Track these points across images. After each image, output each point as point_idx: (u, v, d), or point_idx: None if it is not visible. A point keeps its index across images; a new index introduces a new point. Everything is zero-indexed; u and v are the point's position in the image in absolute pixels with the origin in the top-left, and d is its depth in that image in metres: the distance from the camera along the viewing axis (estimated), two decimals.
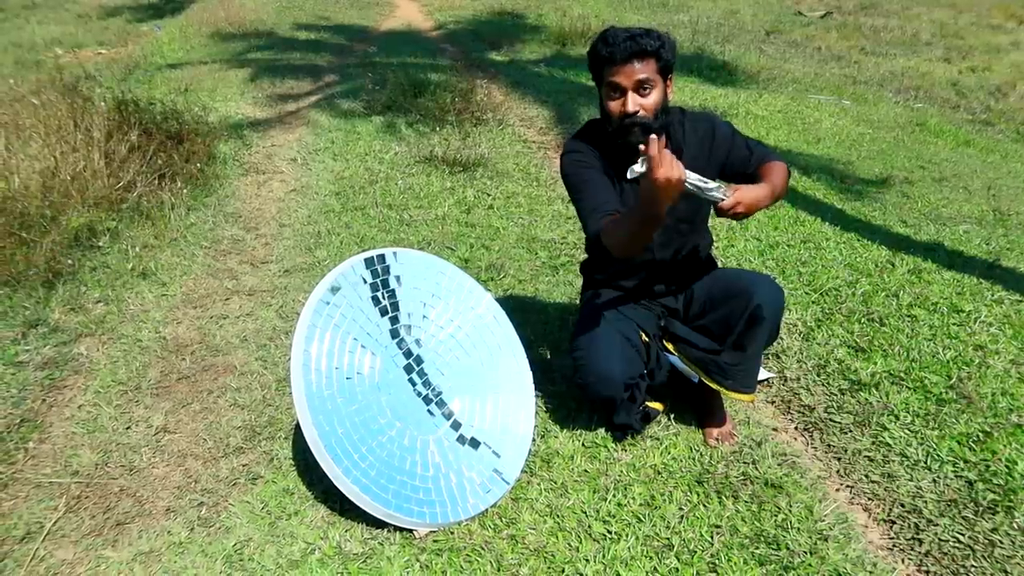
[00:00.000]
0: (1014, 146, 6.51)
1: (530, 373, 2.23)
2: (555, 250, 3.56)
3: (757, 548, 1.88)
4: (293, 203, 3.97)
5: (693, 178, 1.74)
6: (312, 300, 1.87)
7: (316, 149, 4.80)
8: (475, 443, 2.04)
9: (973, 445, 2.24)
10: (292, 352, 1.80)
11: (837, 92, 7.75)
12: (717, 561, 1.83)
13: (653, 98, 1.93)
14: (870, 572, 1.84)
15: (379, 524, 1.87)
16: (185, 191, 3.74)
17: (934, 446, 2.24)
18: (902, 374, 2.58)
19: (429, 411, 2.02)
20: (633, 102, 1.91)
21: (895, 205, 4.44)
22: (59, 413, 2.28)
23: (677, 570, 1.80)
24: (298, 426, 2.22)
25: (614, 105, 1.95)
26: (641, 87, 1.91)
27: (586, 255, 2.42)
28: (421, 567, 1.78)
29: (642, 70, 1.89)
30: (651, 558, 1.84)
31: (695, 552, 1.86)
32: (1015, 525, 1.95)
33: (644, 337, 2.19)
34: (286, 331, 2.74)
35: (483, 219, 3.87)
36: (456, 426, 2.04)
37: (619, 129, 1.96)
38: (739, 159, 2.08)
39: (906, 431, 2.32)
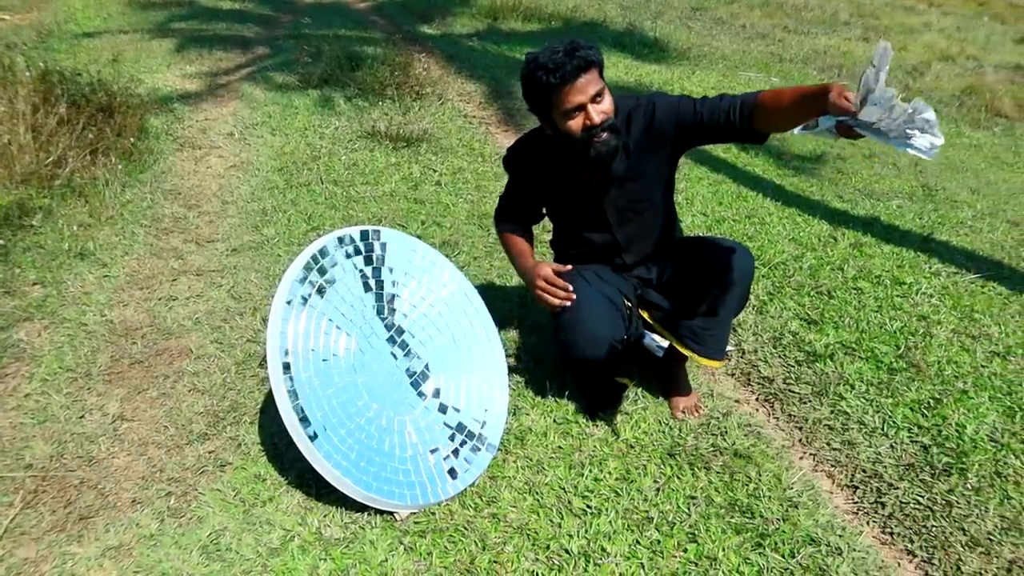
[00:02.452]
0: None
1: (503, 351, 2.21)
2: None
3: (732, 517, 1.92)
4: (234, 179, 3.82)
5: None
6: (287, 280, 1.80)
7: (253, 123, 4.63)
8: (450, 422, 2.01)
9: (925, 411, 2.34)
10: (268, 335, 1.73)
11: (765, 69, 7.92)
12: (696, 531, 1.87)
13: (607, 102, 1.93)
14: (840, 536, 1.90)
15: (358, 508, 1.83)
16: (119, 167, 3.54)
17: (889, 413, 2.34)
18: (853, 345, 2.68)
19: (404, 391, 1.98)
20: (597, 114, 1.91)
21: (831, 181, 4.58)
22: (3, 403, 2.14)
23: (659, 542, 1.83)
24: (264, 410, 2.15)
25: (576, 124, 1.93)
26: (596, 97, 1.90)
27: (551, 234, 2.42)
28: (406, 549, 1.75)
29: (591, 81, 1.88)
30: (632, 531, 1.86)
31: (674, 524, 1.89)
32: (969, 486, 2.05)
33: (626, 301, 2.21)
34: (240, 312, 2.64)
35: (432, 195, 3.81)
36: (432, 406, 2.01)
37: (586, 143, 1.94)
38: (690, 124, 1.97)
39: (862, 400, 2.41)
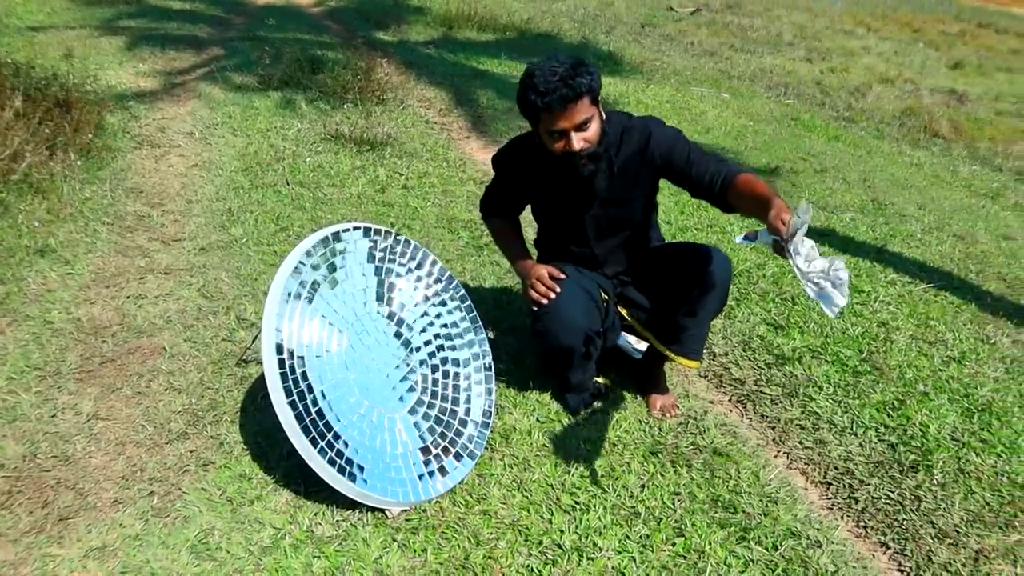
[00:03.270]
0: (876, 142, 7.07)
1: (488, 349, 2.22)
2: (476, 231, 3.55)
3: (716, 512, 1.97)
4: (198, 179, 3.74)
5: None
6: (280, 279, 1.78)
7: (213, 123, 4.54)
8: (439, 420, 2.01)
9: (890, 412, 2.44)
10: (264, 330, 1.71)
11: (715, 85, 8.14)
12: (683, 526, 1.91)
13: (593, 129, 1.96)
14: (818, 530, 1.97)
15: (349, 505, 1.81)
16: (78, 163, 3.43)
17: (857, 414, 2.43)
18: (819, 349, 2.77)
19: (395, 389, 1.97)
20: (577, 142, 1.93)
21: (786, 194, 4.72)
22: None
23: (648, 536, 1.86)
24: (244, 409, 2.12)
25: (557, 145, 1.96)
26: (582, 125, 1.93)
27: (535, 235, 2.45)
28: (399, 547, 1.74)
29: (580, 111, 1.90)
30: (621, 526, 1.88)
31: (660, 519, 1.92)
32: (935, 481, 2.14)
33: (604, 295, 2.24)
34: (213, 311, 2.59)
35: (399, 199, 3.80)
36: (420, 403, 2.00)
37: (565, 162, 1.98)
38: (677, 169, 2.05)
39: (831, 401, 2.49)
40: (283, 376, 1.68)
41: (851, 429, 2.36)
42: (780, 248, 1.71)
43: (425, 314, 2.11)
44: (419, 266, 2.13)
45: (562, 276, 2.15)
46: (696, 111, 6.78)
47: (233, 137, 4.36)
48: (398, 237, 2.10)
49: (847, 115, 8.01)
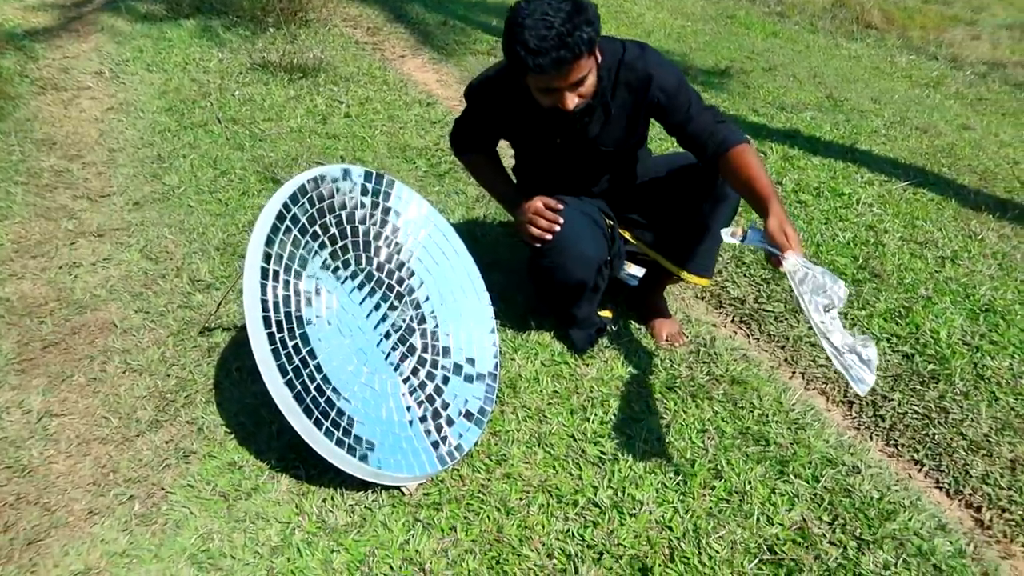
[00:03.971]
0: (811, 36, 6.93)
1: (487, 294, 2.01)
2: (432, 158, 3.28)
3: (748, 446, 1.85)
4: (117, 124, 3.33)
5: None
6: (258, 239, 1.51)
7: (123, 60, 4.05)
8: (445, 380, 1.81)
9: (898, 320, 2.35)
10: (246, 303, 1.46)
11: None
12: (718, 466, 1.78)
13: (589, 83, 1.72)
14: (852, 454, 1.88)
15: (358, 486, 1.62)
16: None
17: (866, 325, 2.33)
18: (813, 259, 2.66)
19: (393, 349, 1.76)
20: (571, 100, 1.70)
21: (741, 95, 4.56)
22: None
23: (685, 482, 1.73)
24: (218, 386, 1.88)
25: (546, 100, 1.73)
26: (577, 84, 1.69)
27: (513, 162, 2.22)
28: (424, 527, 1.56)
29: (576, 71, 1.65)
30: (655, 473, 1.75)
31: (693, 461, 1.80)
32: (957, 391, 2.08)
33: (607, 219, 2.06)
34: (161, 274, 2.29)
35: (344, 129, 3.48)
36: (422, 362, 1.80)
37: (554, 114, 1.76)
38: (674, 121, 1.87)
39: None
40: (275, 353, 1.45)
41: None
42: (776, 259, 1.62)
43: (419, 261, 1.88)
44: (406, 208, 1.88)
45: (561, 206, 1.93)
46: (633, 14, 6.50)
47: (149, 74, 3.91)
48: (387, 178, 1.84)
49: (779, 10, 7.84)
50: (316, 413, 1.49)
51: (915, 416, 2.02)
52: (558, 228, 1.87)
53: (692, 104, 1.86)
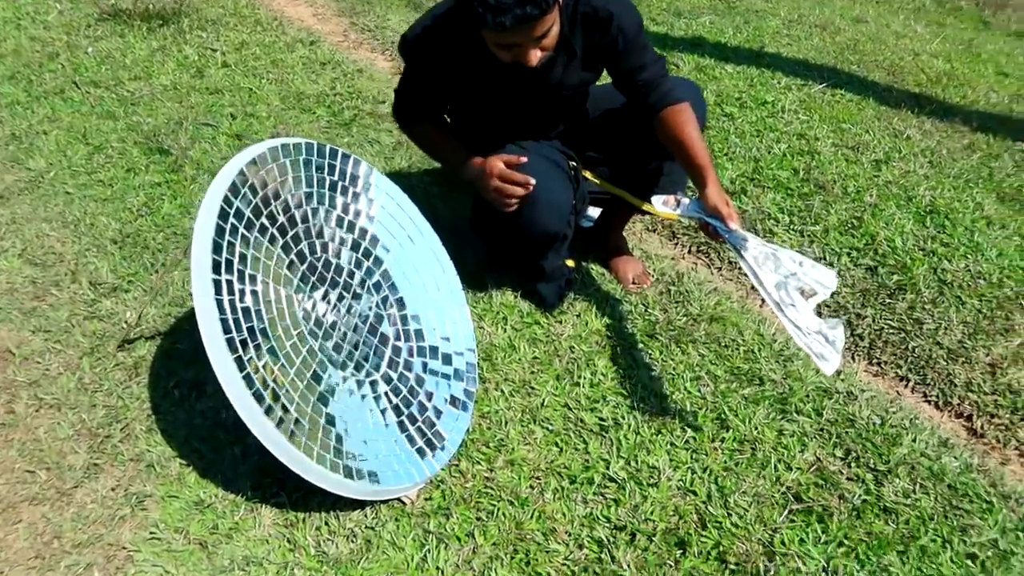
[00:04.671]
0: None
1: (450, 262, 1.81)
2: (333, 105, 2.97)
3: (743, 388, 1.78)
4: None
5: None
6: (202, 247, 1.24)
7: None
8: (424, 367, 1.62)
9: (853, 232, 2.33)
10: (203, 330, 1.20)
11: None
12: (720, 415, 1.70)
13: (552, 35, 1.53)
14: (842, 379, 1.84)
15: (352, 504, 1.43)
16: None
17: (824, 241, 2.29)
18: (756, 176, 2.59)
19: (364, 343, 1.54)
20: (534, 56, 1.52)
21: (635, 3, 4.40)
22: None
23: (693, 438, 1.64)
24: (158, 409, 1.62)
25: (506, 55, 1.54)
26: (541, 37, 1.50)
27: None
28: (438, 539, 1.40)
29: (541, 26, 1.47)
30: (662, 433, 1.65)
31: (695, 412, 1.71)
32: (925, 299, 2.08)
33: (571, 162, 1.89)
34: (54, 281, 1.94)
35: (226, 81, 3.08)
36: (397, 352, 1.60)
37: (513, 65, 1.57)
38: (625, 66, 1.75)
39: (792, 232, 2.34)
40: (247, 380, 1.21)
41: (825, 259, 2.23)
42: (712, 230, 1.66)
43: (374, 238, 1.65)
44: (353, 182, 1.63)
45: (523, 159, 1.74)
46: None
47: None
48: (329, 148, 1.57)
49: None
50: (303, 438, 1.27)
51: (892, 331, 2.01)
52: (531, 187, 1.68)
53: (647, 51, 1.76)
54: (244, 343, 1.23)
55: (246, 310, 1.25)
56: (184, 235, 2.12)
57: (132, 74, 3.06)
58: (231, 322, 1.21)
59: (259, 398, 1.21)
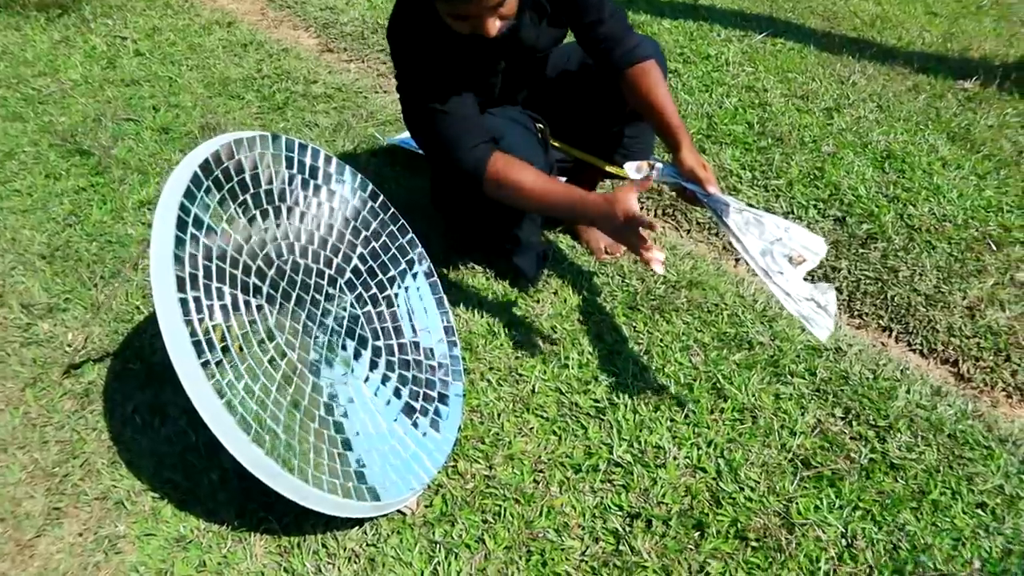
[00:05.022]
0: None
1: (423, 253, 1.70)
2: (262, 88, 2.79)
3: (733, 354, 1.73)
4: None
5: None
6: (162, 254, 1.10)
7: None
8: (406, 364, 1.52)
9: (816, 183, 2.30)
10: (165, 336, 1.06)
11: None
12: (716, 384, 1.66)
13: (510, 3, 1.40)
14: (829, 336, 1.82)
15: (351, 524, 1.33)
16: None
17: (788, 195, 2.26)
18: (711, 132, 2.54)
19: (343, 348, 1.43)
20: (493, 26, 1.39)
21: None
22: None
23: (693, 412, 1.59)
24: (117, 439, 1.47)
25: (463, 27, 1.41)
26: (497, 7, 1.37)
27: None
28: (448, 551, 1.31)
29: None
30: (659, 410, 1.59)
31: (690, 384, 1.65)
32: (896, 246, 2.07)
33: (538, 125, 1.80)
34: None
35: (142, 71, 2.86)
36: (377, 352, 1.49)
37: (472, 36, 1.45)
38: (587, 20, 1.64)
39: (756, 187, 2.30)
40: (229, 407, 1.08)
41: (793, 212, 2.20)
42: (691, 194, 1.59)
43: (340, 232, 1.52)
44: (313, 173, 1.49)
45: (650, 222, 1.66)
46: None
47: None
48: (290, 141, 1.43)
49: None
50: (297, 463, 1.16)
51: (869, 281, 1.99)
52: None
53: (606, 3, 1.65)
54: (220, 364, 1.11)
55: (218, 327, 1.12)
56: (120, 243, 1.94)
57: (36, 70, 2.80)
58: (204, 344, 1.08)
59: (244, 426, 1.09)
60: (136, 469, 1.41)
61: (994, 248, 2.05)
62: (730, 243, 1.54)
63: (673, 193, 1.76)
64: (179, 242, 1.09)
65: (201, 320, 1.09)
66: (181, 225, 1.11)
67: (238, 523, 1.32)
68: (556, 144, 1.89)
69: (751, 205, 1.61)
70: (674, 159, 1.62)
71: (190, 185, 1.15)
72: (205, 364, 1.06)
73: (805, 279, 1.48)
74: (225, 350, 1.12)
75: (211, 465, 1.41)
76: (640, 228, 1.40)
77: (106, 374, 1.59)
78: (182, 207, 1.12)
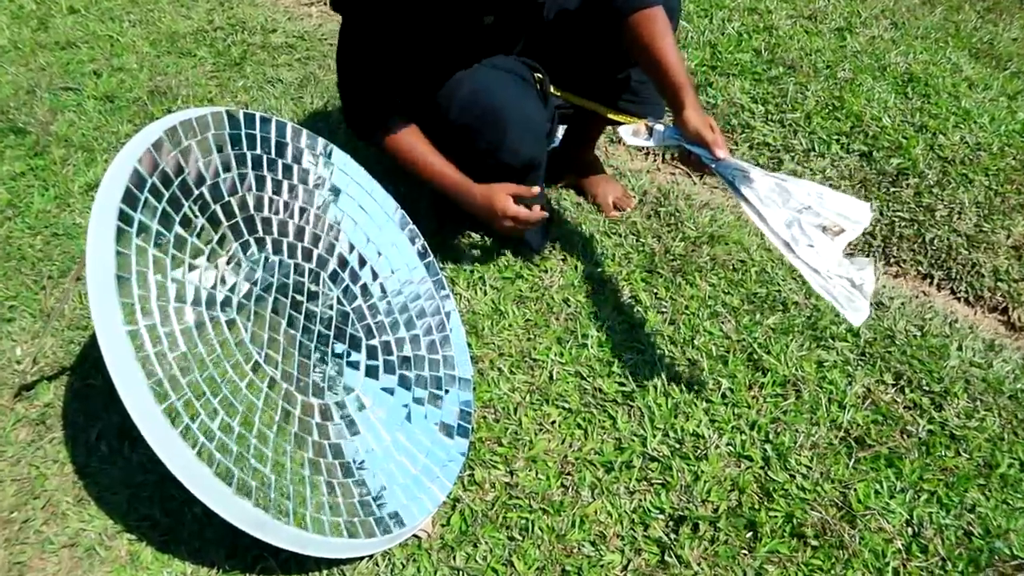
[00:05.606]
0: None
1: (414, 227, 1.49)
2: (215, 43, 2.51)
3: (767, 317, 1.57)
4: None
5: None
6: (101, 279, 0.89)
7: None
8: (404, 362, 1.33)
9: (837, 115, 2.10)
10: (122, 393, 0.87)
11: None
12: (752, 354, 1.49)
13: None
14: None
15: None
16: None
17: (807, 129, 2.06)
18: (716, 62, 2.32)
19: (334, 352, 1.24)
20: None
21: None
22: None
23: (731, 390, 1.42)
24: (83, 471, 1.28)
25: None
26: None
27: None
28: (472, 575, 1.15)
29: None
30: (694, 390, 1.42)
31: (724, 357, 1.49)
32: (930, 182, 1.89)
33: (536, 75, 1.59)
34: None
35: (78, 31, 2.56)
36: (373, 353, 1.30)
37: None
38: None
39: (771, 123, 2.10)
40: (202, 457, 0.90)
41: (815, 149, 2.01)
42: (698, 162, 1.40)
43: (316, 217, 1.31)
44: (280, 151, 1.27)
45: (535, 190, 1.48)
46: None
47: None
48: (248, 115, 1.20)
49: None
50: (303, 514, 0.98)
51: (903, 223, 1.81)
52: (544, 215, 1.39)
53: None
54: (188, 404, 0.91)
55: (181, 359, 0.92)
56: (68, 235, 1.71)
57: None
58: (166, 383, 0.88)
59: (226, 476, 0.90)
60: (107, 507, 1.23)
61: None
62: (746, 215, 1.33)
63: (680, 160, 1.54)
64: (122, 262, 0.88)
65: (159, 352, 0.89)
66: (123, 239, 0.89)
67: (230, 565, 1.15)
68: (557, 93, 1.67)
69: (773, 171, 1.40)
70: (676, 120, 1.41)
71: (129, 186, 0.93)
72: (169, 410, 0.87)
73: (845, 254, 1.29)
74: (193, 384, 0.93)
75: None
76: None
77: (64, 394, 1.39)
78: (122, 215, 0.91)
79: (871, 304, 1.23)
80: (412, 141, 1.49)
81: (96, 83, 2.23)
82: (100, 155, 1.93)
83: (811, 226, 1.28)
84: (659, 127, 1.47)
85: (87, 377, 1.42)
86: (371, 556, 1.16)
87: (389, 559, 1.17)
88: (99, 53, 2.40)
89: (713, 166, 1.37)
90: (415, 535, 1.20)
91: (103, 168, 1.89)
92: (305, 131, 1.30)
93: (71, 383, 1.41)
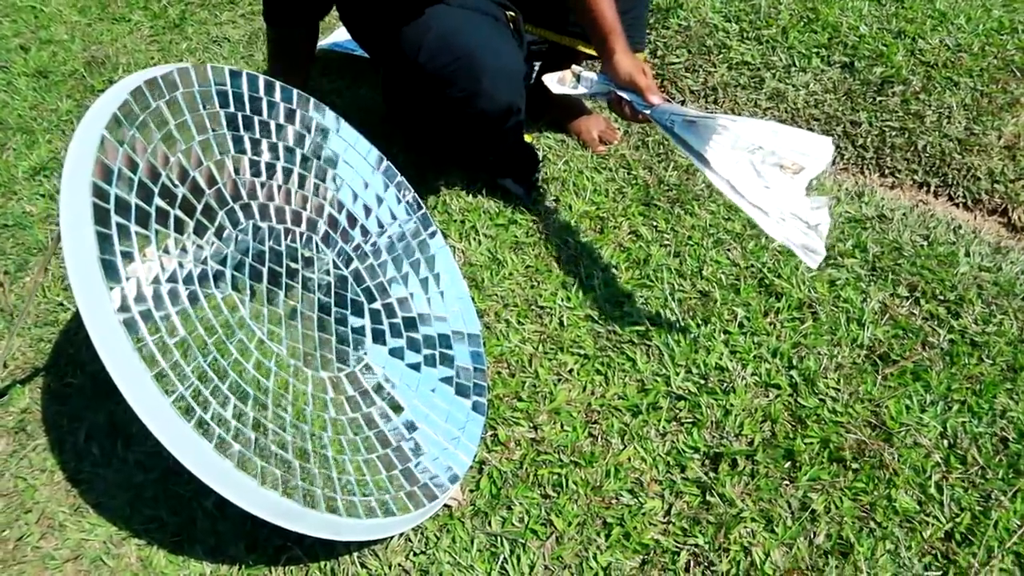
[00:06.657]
0: None
1: (405, 182, 1.39)
2: (151, 4, 2.34)
3: (770, 240, 1.53)
4: None
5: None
6: (84, 266, 0.78)
7: None
8: (411, 323, 1.25)
9: (814, 27, 2.04)
10: (126, 392, 0.77)
11: None
12: (763, 278, 1.46)
13: None
14: (864, 202, 1.62)
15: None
16: None
17: (786, 44, 1.99)
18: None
19: (337, 320, 1.15)
20: None
21: None
22: None
23: (748, 317, 1.38)
24: (75, 477, 1.19)
25: None
26: None
27: None
28: (511, 544, 1.09)
29: None
30: (710, 322, 1.37)
31: (735, 286, 1.44)
32: (915, 88, 1.84)
33: (507, 12, 1.49)
34: None
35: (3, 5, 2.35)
36: (377, 317, 1.21)
37: None
38: None
39: (747, 41, 2.03)
40: (221, 448, 0.81)
41: (795, 64, 1.94)
42: (632, 110, 1.33)
43: (302, 179, 1.21)
44: (255, 107, 1.15)
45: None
46: None
47: None
48: (216, 69, 1.07)
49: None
50: (324, 496, 0.91)
51: (894, 133, 1.77)
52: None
53: None
54: (197, 394, 0.82)
55: (181, 345, 0.83)
56: (20, 225, 1.57)
57: None
58: (171, 373, 0.79)
59: (249, 468, 0.82)
60: (109, 513, 1.14)
61: (1019, 75, 1.84)
62: (689, 160, 1.24)
63: (611, 110, 1.45)
64: (104, 245, 0.78)
65: (159, 340, 0.79)
66: (101, 218, 0.79)
67: (252, 559, 1.08)
68: (531, 29, 1.57)
69: (708, 112, 1.30)
70: (606, 67, 1.35)
71: (100, 157, 0.82)
72: (180, 403, 0.78)
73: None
74: (200, 373, 0.83)
75: (202, 490, 1.13)
76: None
77: (41, 397, 1.28)
78: (97, 191, 0.80)
79: (825, 245, 1.15)
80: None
81: (25, 59, 2.05)
82: (42, 135, 1.77)
83: (767, 166, 1.19)
84: (588, 73, 1.39)
85: (64, 376, 1.31)
86: (402, 533, 1.10)
87: (422, 533, 1.10)
88: (24, 26, 2.21)
89: (648, 111, 1.29)
90: (445, 504, 1.13)
91: (47, 149, 1.74)
92: (278, 83, 1.18)
93: (47, 384, 1.30)
